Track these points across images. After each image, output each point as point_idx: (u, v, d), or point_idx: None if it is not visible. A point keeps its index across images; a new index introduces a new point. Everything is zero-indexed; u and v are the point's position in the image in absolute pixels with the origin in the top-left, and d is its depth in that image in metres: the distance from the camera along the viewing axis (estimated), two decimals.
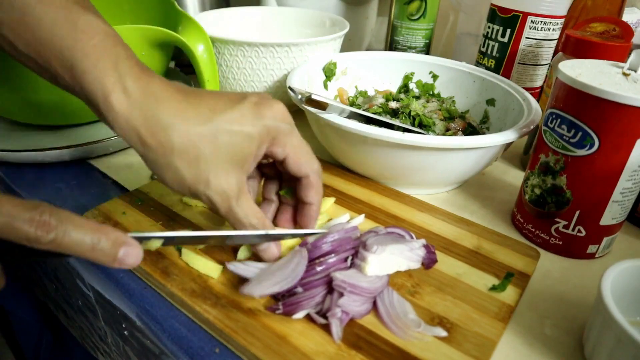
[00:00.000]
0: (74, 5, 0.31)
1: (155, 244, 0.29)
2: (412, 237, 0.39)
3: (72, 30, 0.30)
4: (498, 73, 0.64)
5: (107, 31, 0.31)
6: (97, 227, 0.26)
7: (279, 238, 0.35)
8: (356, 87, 0.63)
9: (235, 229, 0.33)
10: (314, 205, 0.37)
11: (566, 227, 0.40)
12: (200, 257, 0.36)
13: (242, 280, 0.34)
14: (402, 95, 0.59)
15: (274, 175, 0.39)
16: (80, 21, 0.30)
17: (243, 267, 0.34)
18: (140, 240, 0.28)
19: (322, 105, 0.45)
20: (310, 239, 0.37)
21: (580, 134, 0.36)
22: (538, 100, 0.60)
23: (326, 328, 0.31)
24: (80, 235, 0.25)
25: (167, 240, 0.30)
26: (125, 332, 0.38)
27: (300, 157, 0.34)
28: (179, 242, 0.32)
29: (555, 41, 0.62)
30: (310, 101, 0.44)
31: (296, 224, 0.39)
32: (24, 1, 0.30)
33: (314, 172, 0.36)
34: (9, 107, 0.51)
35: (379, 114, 0.53)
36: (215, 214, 0.34)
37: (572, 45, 0.50)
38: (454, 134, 0.52)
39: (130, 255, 0.27)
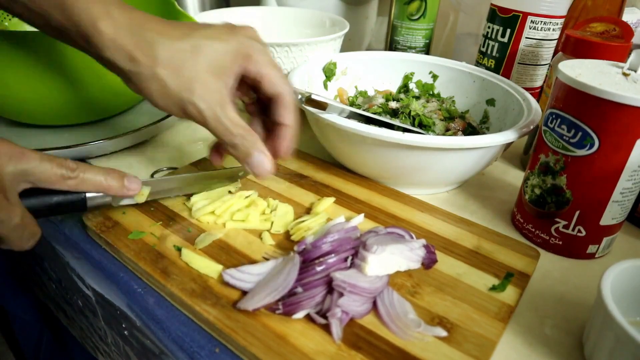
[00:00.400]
0: None
1: (145, 191, 0.38)
2: (412, 237, 0.39)
3: None
4: (498, 73, 0.64)
5: None
6: (103, 167, 0.35)
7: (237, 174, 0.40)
8: (356, 87, 0.63)
9: (223, 140, 0.36)
10: (289, 127, 0.38)
11: (566, 227, 0.40)
12: (200, 257, 0.36)
13: None
14: (402, 95, 0.59)
15: (258, 112, 0.42)
16: None
17: (239, 276, 0.34)
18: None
19: (322, 105, 0.45)
20: (310, 239, 0.37)
21: (580, 134, 0.36)
22: (538, 100, 0.60)
23: (326, 328, 0.31)
24: (93, 173, 0.34)
25: (154, 186, 0.39)
26: (125, 332, 0.38)
27: (274, 76, 0.36)
28: (164, 187, 0.40)
29: (555, 41, 0.62)
30: (310, 101, 0.44)
31: (273, 150, 0.39)
32: None
33: (288, 92, 0.37)
34: (9, 107, 0.51)
35: (379, 114, 0.53)
36: (203, 125, 0.35)
37: (572, 45, 0.50)
38: (454, 134, 0.52)
39: (133, 181, 0.36)
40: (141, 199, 0.38)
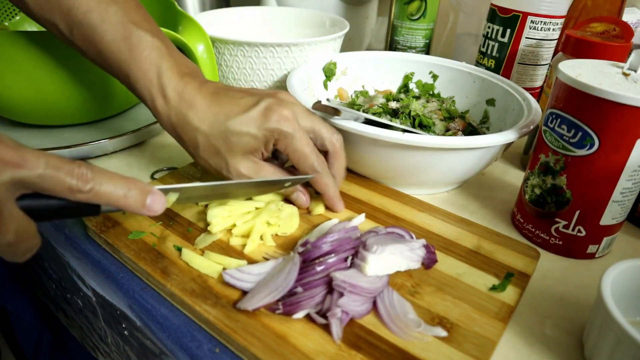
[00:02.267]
0: (129, 23, 0.39)
1: (172, 198, 0.34)
2: (412, 237, 0.39)
3: (127, 45, 0.39)
4: (498, 73, 0.64)
5: (154, 44, 0.40)
6: (126, 178, 0.31)
7: (277, 183, 0.41)
8: (363, 86, 0.63)
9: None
10: (325, 195, 0.43)
11: (566, 227, 0.40)
12: (200, 257, 0.36)
13: None
14: (402, 95, 0.59)
15: None
16: (133, 37, 0.39)
17: (239, 276, 0.34)
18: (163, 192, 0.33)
19: (336, 112, 0.44)
20: (312, 239, 0.37)
21: (580, 134, 0.36)
22: (538, 100, 0.60)
23: (326, 328, 0.31)
24: (112, 185, 0.29)
25: (183, 193, 0.35)
26: (125, 332, 0.38)
27: (297, 159, 0.40)
28: (192, 194, 0.37)
29: (555, 41, 0.62)
30: (320, 107, 0.43)
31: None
32: (90, 20, 0.39)
33: (313, 171, 0.41)
34: (9, 107, 0.51)
35: (379, 114, 0.53)
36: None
37: (572, 45, 0.50)
38: (454, 134, 0.52)
39: (157, 202, 0.31)
40: (167, 205, 0.34)
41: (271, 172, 0.41)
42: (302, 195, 0.43)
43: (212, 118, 0.39)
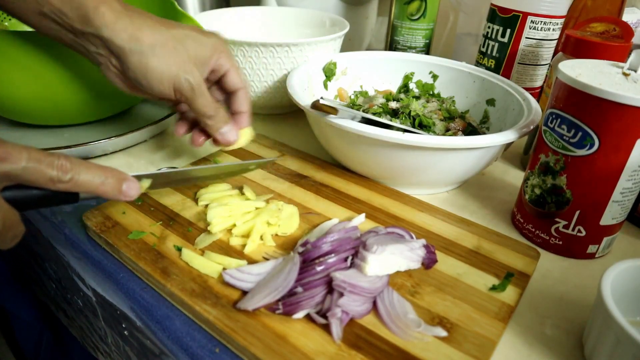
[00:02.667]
0: None
1: (145, 184, 0.37)
2: (412, 237, 0.39)
3: None
4: (498, 73, 0.64)
5: None
6: (103, 167, 0.33)
7: (242, 167, 0.44)
8: (361, 86, 0.63)
9: (203, 112, 0.41)
10: (245, 113, 0.46)
11: (566, 227, 0.40)
12: (200, 257, 0.36)
13: None
14: (402, 95, 0.59)
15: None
16: None
17: (239, 276, 0.34)
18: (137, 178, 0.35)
19: (333, 110, 0.44)
20: (312, 238, 0.37)
21: (580, 134, 0.36)
22: (538, 100, 0.60)
23: (326, 328, 0.31)
24: (90, 174, 0.31)
25: (155, 179, 0.37)
26: (125, 332, 0.38)
27: (237, 72, 0.44)
28: (164, 180, 0.39)
29: (555, 41, 0.62)
30: (320, 106, 0.43)
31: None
32: None
33: (244, 87, 0.45)
34: (9, 107, 0.51)
35: (379, 114, 0.53)
36: (189, 101, 0.41)
37: (572, 45, 0.50)
38: (454, 134, 0.52)
39: (132, 188, 0.34)
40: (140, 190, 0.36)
41: (209, 94, 0.42)
42: (233, 128, 0.44)
43: (166, 24, 0.40)
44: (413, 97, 0.58)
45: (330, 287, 0.33)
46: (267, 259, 0.37)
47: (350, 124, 0.42)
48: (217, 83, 0.45)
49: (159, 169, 0.50)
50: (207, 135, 0.45)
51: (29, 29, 0.41)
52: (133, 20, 0.38)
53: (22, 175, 0.29)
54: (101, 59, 0.40)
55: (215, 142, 0.45)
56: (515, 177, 0.54)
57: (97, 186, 0.32)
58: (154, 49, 0.38)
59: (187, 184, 0.44)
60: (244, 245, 0.38)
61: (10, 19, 0.67)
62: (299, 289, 0.33)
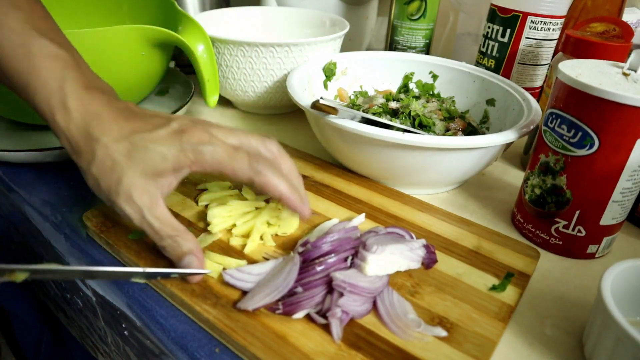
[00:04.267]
0: (32, 30, 0.35)
1: (21, 276, 0.29)
2: (412, 237, 0.39)
3: (27, 54, 0.34)
4: (498, 73, 0.64)
5: (58, 55, 0.35)
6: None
7: (159, 275, 0.34)
8: (359, 87, 0.63)
9: (153, 240, 0.34)
10: (282, 197, 0.35)
11: (566, 227, 0.40)
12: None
13: None
14: (402, 95, 0.59)
15: None
16: (34, 47, 0.35)
17: (239, 276, 0.34)
18: (3, 272, 0.28)
19: (333, 111, 0.44)
20: (312, 238, 0.37)
21: (580, 134, 0.36)
22: (538, 100, 0.60)
23: (326, 328, 0.31)
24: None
25: (33, 273, 0.29)
26: (125, 332, 0.38)
27: (230, 171, 0.34)
28: (46, 275, 0.31)
29: (555, 41, 0.62)
30: (321, 106, 0.43)
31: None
32: None
33: (254, 174, 0.34)
34: (10, 107, 0.51)
35: (379, 114, 0.53)
36: (131, 224, 0.35)
37: (572, 45, 0.50)
38: (454, 134, 0.52)
39: None
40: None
41: (166, 216, 0.34)
42: (193, 259, 0.34)
43: (117, 131, 0.33)
44: (413, 97, 0.58)
45: (330, 287, 0.33)
46: (267, 259, 0.37)
47: (350, 124, 0.42)
48: None
49: None
50: None
51: None
52: (79, 129, 0.34)
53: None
54: None
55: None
56: (515, 177, 0.54)
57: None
58: (89, 168, 0.34)
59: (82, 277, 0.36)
60: (244, 246, 0.38)
61: None
62: (299, 289, 0.33)
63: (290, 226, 0.40)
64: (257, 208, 0.42)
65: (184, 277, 0.34)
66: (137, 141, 0.33)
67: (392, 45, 0.76)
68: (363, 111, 0.54)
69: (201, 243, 0.38)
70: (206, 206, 0.42)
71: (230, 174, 0.34)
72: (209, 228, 0.39)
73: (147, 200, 0.33)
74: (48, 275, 0.32)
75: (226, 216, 0.40)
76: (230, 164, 0.34)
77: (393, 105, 0.54)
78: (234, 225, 0.39)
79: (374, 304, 0.33)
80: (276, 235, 0.40)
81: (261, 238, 0.39)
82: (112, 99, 0.36)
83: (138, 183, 0.33)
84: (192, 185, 0.46)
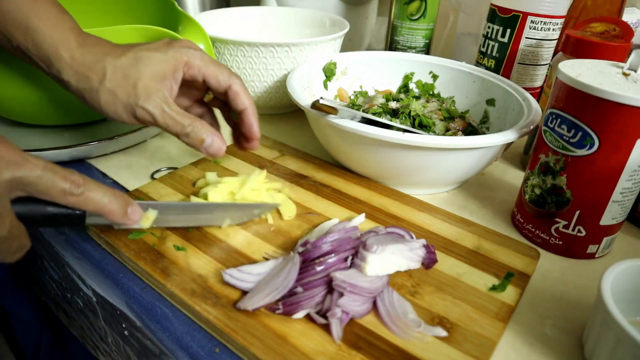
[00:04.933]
0: None
1: (152, 215, 0.36)
2: (412, 237, 0.39)
3: (27, 1, 0.38)
4: (498, 73, 0.64)
5: (53, 2, 0.39)
6: (111, 189, 0.33)
7: (253, 208, 0.40)
8: (359, 87, 0.63)
9: (176, 133, 0.38)
10: (248, 109, 0.42)
11: (566, 227, 0.40)
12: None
13: None
14: (402, 95, 0.59)
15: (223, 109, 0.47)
16: None
17: (239, 276, 0.34)
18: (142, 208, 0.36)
19: (332, 110, 0.44)
20: (312, 238, 0.37)
21: (580, 134, 0.36)
22: (538, 100, 0.60)
23: (326, 328, 0.31)
24: (100, 193, 0.32)
25: (161, 212, 0.37)
26: (125, 332, 0.38)
27: (216, 72, 0.40)
28: (169, 214, 0.38)
29: (555, 41, 0.62)
30: (320, 106, 0.43)
31: (244, 137, 0.44)
32: None
33: (235, 82, 0.41)
34: (10, 107, 0.51)
35: (379, 114, 0.53)
36: (155, 125, 0.38)
37: (572, 45, 0.50)
38: (454, 134, 0.52)
39: (136, 212, 0.34)
40: (146, 223, 0.36)
41: (181, 109, 0.39)
42: (217, 140, 0.39)
43: (120, 51, 0.38)
44: (413, 97, 0.58)
45: (330, 287, 0.33)
46: (267, 259, 0.37)
47: (350, 124, 0.42)
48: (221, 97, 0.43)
49: (159, 169, 0.50)
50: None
51: None
52: (85, 56, 0.38)
53: (35, 184, 0.29)
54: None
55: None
56: (515, 177, 0.54)
57: (105, 204, 0.32)
58: (102, 84, 0.37)
59: (192, 224, 0.40)
60: (244, 245, 0.38)
61: None
62: (299, 289, 0.33)
63: (289, 210, 0.42)
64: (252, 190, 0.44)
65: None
66: (139, 52, 0.38)
67: (392, 45, 0.76)
68: (363, 111, 0.54)
69: (201, 243, 0.38)
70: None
71: (212, 76, 0.40)
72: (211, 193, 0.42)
73: (163, 97, 0.38)
74: (171, 212, 0.38)
75: (225, 192, 0.43)
76: (215, 67, 0.40)
77: (393, 105, 0.54)
78: (233, 193, 0.42)
79: (374, 304, 0.33)
80: (280, 218, 0.41)
81: (266, 220, 0.41)
82: (100, 37, 0.40)
83: (151, 84, 0.37)
84: (190, 186, 0.46)
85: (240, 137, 0.45)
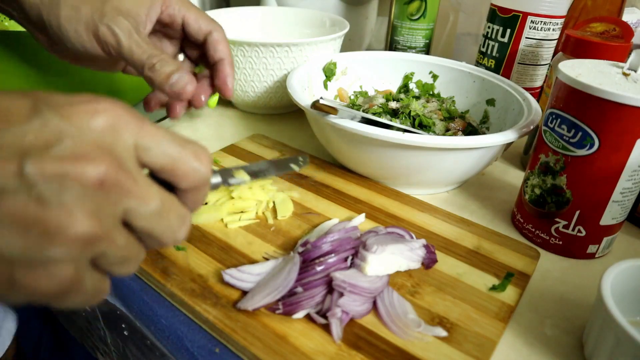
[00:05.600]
0: None
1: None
2: (412, 237, 0.39)
3: None
4: (498, 73, 0.64)
5: None
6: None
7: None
8: (359, 87, 0.63)
9: (140, 64, 0.33)
10: (226, 59, 0.37)
11: (566, 227, 0.39)
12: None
13: None
14: (402, 95, 0.59)
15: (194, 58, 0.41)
16: None
17: (239, 276, 0.34)
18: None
19: (332, 110, 0.44)
20: (312, 238, 0.37)
21: (580, 134, 0.36)
22: (538, 100, 0.60)
23: (326, 328, 0.31)
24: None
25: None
26: (125, 332, 0.38)
27: (197, 16, 0.36)
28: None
29: (555, 41, 0.62)
30: (321, 106, 0.43)
31: (214, 87, 0.38)
32: None
33: (216, 29, 0.36)
34: None
35: (379, 114, 0.53)
36: (117, 52, 0.33)
37: (572, 45, 0.50)
38: (454, 134, 0.52)
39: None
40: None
41: (150, 41, 0.34)
42: (185, 76, 0.33)
43: None
44: (413, 97, 0.58)
45: (330, 287, 0.33)
46: (267, 259, 0.37)
47: (350, 124, 0.42)
48: (198, 47, 0.38)
49: None
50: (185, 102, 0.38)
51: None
52: None
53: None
54: (27, 27, 0.35)
55: (189, 105, 0.38)
56: (515, 177, 0.54)
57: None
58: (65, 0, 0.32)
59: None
60: (244, 245, 0.38)
61: (9, 20, 0.66)
62: (299, 289, 0.33)
63: (286, 209, 0.42)
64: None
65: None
66: None
67: (392, 45, 0.76)
68: (363, 111, 0.54)
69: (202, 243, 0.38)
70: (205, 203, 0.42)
71: (192, 20, 0.36)
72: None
73: (133, 22, 0.33)
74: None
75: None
76: (197, 12, 0.36)
77: (393, 105, 0.54)
78: (232, 198, 0.42)
79: (374, 304, 0.33)
80: (275, 218, 0.42)
81: (263, 214, 0.42)
82: None
83: (124, 5, 0.33)
84: None
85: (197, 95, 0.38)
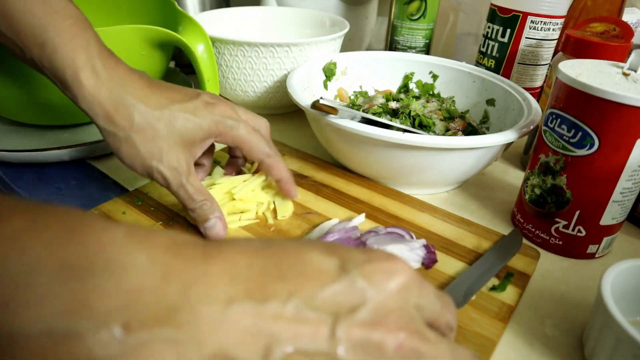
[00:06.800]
0: None
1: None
2: (412, 237, 0.39)
3: (47, 10, 0.33)
4: (498, 73, 0.64)
5: (79, 15, 0.35)
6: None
7: None
8: (359, 87, 0.63)
9: (185, 204, 0.37)
10: (282, 179, 0.41)
11: (566, 227, 0.39)
12: None
13: None
14: (402, 95, 0.59)
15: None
16: (53, 2, 0.33)
17: None
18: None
19: (332, 110, 0.44)
20: (312, 239, 0.37)
21: (580, 134, 0.36)
22: (538, 100, 0.60)
23: None
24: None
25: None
26: None
27: (248, 147, 0.39)
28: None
29: (555, 41, 0.62)
30: (321, 106, 0.43)
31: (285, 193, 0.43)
32: None
33: (266, 156, 0.39)
34: (9, 107, 0.51)
35: (379, 114, 0.53)
36: (166, 188, 0.37)
37: (572, 45, 0.50)
38: (454, 134, 0.52)
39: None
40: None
41: (199, 183, 0.37)
42: (219, 224, 0.38)
43: (154, 98, 0.35)
44: (413, 97, 0.58)
45: None
46: None
47: (350, 124, 0.42)
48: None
49: None
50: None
51: None
52: (114, 93, 0.34)
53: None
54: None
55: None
56: (515, 177, 0.54)
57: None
58: (127, 134, 0.34)
59: None
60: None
61: None
62: None
63: (286, 209, 0.42)
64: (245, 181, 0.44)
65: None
66: (176, 110, 0.35)
67: (392, 45, 0.76)
68: (363, 111, 0.54)
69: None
70: None
71: (246, 150, 0.39)
72: (211, 191, 0.41)
73: (185, 167, 0.36)
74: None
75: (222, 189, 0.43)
76: (249, 141, 0.38)
77: (393, 105, 0.54)
78: (233, 198, 0.42)
79: None
80: (275, 218, 0.41)
81: (263, 214, 0.42)
82: (130, 67, 0.36)
83: (179, 151, 0.36)
84: None
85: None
